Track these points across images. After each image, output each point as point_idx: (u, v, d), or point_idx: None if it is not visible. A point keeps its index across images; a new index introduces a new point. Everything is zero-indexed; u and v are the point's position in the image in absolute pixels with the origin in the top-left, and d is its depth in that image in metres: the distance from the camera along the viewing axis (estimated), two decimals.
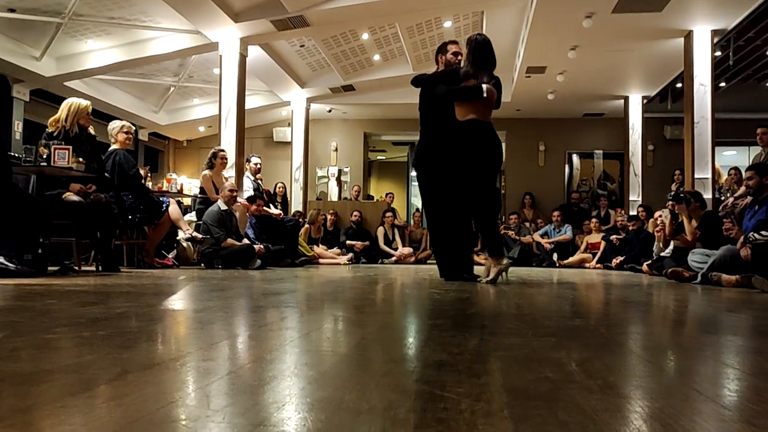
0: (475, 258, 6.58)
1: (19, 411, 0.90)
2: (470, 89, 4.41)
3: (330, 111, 12.94)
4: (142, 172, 6.40)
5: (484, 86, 4.39)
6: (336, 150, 13.84)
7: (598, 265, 9.63)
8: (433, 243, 5.25)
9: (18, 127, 8.89)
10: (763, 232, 4.61)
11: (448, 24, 9.49)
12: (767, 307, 3.17)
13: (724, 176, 8.40)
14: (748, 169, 5.60)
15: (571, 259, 10.14)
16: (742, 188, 6.41)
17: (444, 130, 4.65)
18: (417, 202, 12.99)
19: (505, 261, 4.51)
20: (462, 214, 4.76)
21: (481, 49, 4.52)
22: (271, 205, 8.49)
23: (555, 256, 10.28)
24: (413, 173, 4.78)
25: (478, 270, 4.97)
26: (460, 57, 4.85)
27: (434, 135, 4.76)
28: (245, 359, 1.43)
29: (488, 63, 4.53)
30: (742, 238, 4.85)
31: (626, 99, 11.37)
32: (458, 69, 4.63)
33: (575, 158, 13.36)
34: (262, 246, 6.88)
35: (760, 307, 3.18)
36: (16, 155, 4.84)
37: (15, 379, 1.11)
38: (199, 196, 7.46)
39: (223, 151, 7.52)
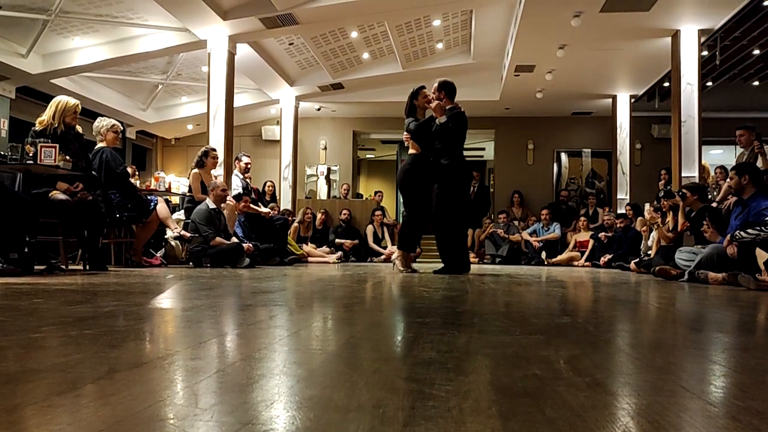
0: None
1: (5, 410, 0.89)
2: None
3: (319, 109, 12.91)
4: (129, 170, 6.36)
5: None
6: (325, 148, 13.81)
7: (587, 263, 9.68)
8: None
9: (4, 125, 8.80)
10: (749, 230, 4.66)
11: (437, 23, 9.49)
12: (752, 305, 3.21)
13: (712, 174, 8.46)
14: (731, 169, 5.67)
15: (559, 258, 10.18)
16: (725, 187, 6.46)
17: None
18: None
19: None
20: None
21: None
22: (260, 204, 8.46)
23: (543, 255, 10.33)
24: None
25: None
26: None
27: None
28: (234, 358, 1.43)
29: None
30: (729, 237, 4.90)
31: (614, 98, 11.43)
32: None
33: (564, 157, 13.42)
34: (250, 244, 6.86)
35: (745, 304, 3.21)
36: (2, 153, 4.78)
37: (1, 378, 1.10)
38: (187, 194, 7.42)
39: (214, 150, 7.50)
